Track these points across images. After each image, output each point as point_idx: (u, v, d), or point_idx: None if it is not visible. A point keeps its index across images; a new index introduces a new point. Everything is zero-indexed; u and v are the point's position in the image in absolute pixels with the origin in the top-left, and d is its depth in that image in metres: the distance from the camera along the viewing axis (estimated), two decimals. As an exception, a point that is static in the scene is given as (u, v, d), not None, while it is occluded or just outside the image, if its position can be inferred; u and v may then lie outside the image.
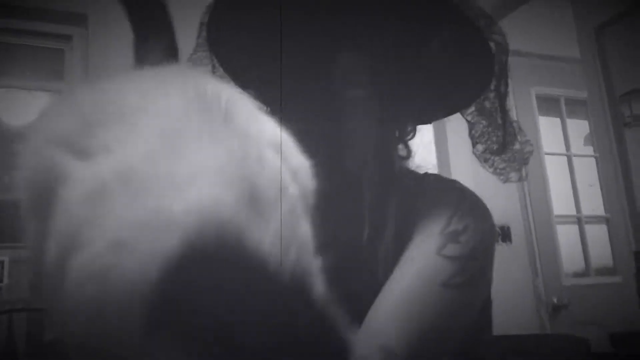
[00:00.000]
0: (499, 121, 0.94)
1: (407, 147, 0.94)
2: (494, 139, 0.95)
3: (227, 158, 0.37)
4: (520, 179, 0.94)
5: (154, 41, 0.51)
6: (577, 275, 3.10)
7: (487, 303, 0.93)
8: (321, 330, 0.35)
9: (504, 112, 0.94)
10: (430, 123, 1.05)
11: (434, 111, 1.00)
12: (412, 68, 0.92)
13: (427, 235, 0.83)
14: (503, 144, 0.94)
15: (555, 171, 3.26)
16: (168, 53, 0.50)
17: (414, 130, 0.95)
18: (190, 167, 0.36)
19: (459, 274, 0.80)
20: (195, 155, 0.36)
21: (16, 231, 2.54)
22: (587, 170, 3.41)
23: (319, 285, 0.37)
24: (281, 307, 0.34)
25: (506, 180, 0.96)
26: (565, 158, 3.38)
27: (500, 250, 2.71)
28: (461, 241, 0.82)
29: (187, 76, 0.43)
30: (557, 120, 3.45)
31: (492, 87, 0.93)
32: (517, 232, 2.90)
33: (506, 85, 0.93)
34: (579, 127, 3.49)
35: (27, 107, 2.54)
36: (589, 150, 3.44)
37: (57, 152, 0.38)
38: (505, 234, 2.86)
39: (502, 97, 0.93)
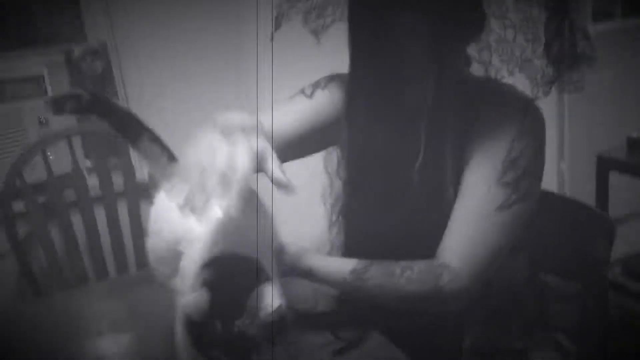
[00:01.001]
0: (563, 32, 0.92)
1: (467, 56, 0.97)
2: (554, 49, 0.93)
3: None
4: (562, 92, 0.96)
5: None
6: (604, 19, 2.89)
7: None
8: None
9: (569, 20, 0.92)
10: None
11: None
12: None
13: (488, 162, 0.91)
14: (560, 53, 0.93)
15: None
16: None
17: (479, 31, 0.95)
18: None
19: (512, 194, 0.90)
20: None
21: (52, 31, 2.30)
22: None
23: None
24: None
25: (548, 93, 0.95)
26: None
27: None
28: (519, 165, 0.90)
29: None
30: None
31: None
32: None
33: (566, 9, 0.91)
34: None
35: None
36: None
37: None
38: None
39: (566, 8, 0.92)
